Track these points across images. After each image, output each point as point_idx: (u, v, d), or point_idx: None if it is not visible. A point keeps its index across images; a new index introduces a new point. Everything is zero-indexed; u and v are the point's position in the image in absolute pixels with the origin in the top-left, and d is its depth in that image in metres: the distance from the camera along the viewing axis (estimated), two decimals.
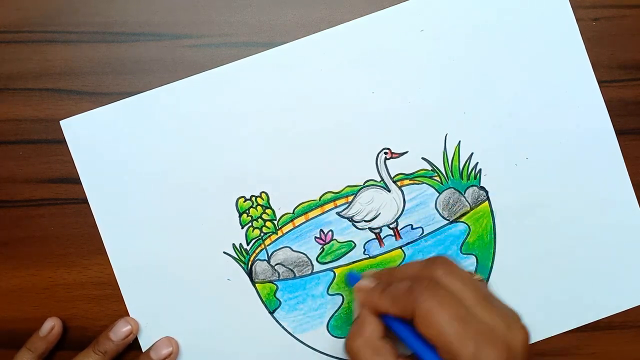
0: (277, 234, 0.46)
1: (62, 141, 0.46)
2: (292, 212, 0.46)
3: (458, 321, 0.35)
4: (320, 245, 0.46)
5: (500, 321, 0.36)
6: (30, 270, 0.47)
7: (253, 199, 0.46)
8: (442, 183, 0.47)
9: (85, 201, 0.46)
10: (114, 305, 0.46)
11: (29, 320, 0.47)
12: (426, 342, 0.36)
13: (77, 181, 0.46)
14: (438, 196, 0.47)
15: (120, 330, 0.45)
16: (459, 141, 0.47)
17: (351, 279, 0.44)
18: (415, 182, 0.47)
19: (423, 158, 0.47)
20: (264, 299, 0.46)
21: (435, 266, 0.38)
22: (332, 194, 0.46)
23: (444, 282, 0.37)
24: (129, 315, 0.46)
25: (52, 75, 0.47)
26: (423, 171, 0.47)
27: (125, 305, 0.46)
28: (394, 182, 0.47)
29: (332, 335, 0.47)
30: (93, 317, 0.47)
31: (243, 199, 0.46)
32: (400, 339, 0.38)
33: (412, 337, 0.37)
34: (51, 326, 0.45)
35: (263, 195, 0.46)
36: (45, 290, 0.47)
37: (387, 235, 0.47)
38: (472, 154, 0.47)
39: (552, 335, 0.47)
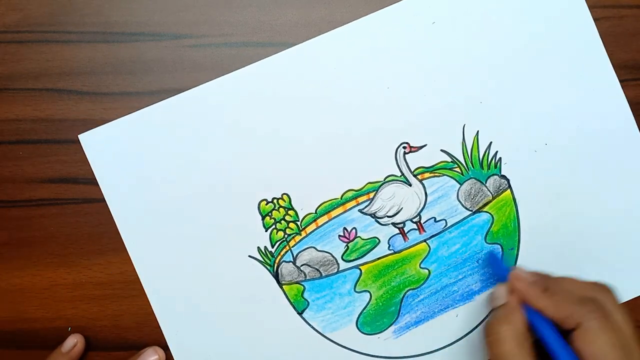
0: (300, 234, 0.46)
1: (62, 141, 0.46)
2: (314, 212, 0.46)
3: (620, 350, 0.36)
4: (345, 244, 0.46)
5: None
6: (30, 270, 0.47)
7: (275, 201, 0.46)
8: (462, 174, 0.47)
9: (85, 201, 0.46)
10: (114, 306, 0.46)
11: (29, 321, 0.47)
12: (570, 350, 0.37)
13: (77, 181, 0.46)
14: (459, 187, 0.47)
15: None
16: (477, 131, 0.47)
17: (492, 259, 0.46)
18: (435, 174, 0.47)
19: (442, 150, 0.47)
20: (291, 300, 0.46)
21: (604, 292, 0.39)
22: (353, 192, 0.46)
23: (612, 310, 0.38)
24: (127, 317, 0.46)
25: (52, 75, 0.46)
26: (443, 163, 0.47)
27: (124, 305, 0.46)
28: (415, 175, 0.46)
29: (362, 332, 0.47)
30: (93, 317, 0.47)
31: (265, 202, 0.46)
32: (541, 336, 0.39)
33: (557, 341, 0.38)
34: (74, 343, 0.45)
35: (285, 196, 0.46)
36: (45, 290, 0.47)
37: (411, 230, 0.47)
38: (490, 143, 0.47)
39: None
